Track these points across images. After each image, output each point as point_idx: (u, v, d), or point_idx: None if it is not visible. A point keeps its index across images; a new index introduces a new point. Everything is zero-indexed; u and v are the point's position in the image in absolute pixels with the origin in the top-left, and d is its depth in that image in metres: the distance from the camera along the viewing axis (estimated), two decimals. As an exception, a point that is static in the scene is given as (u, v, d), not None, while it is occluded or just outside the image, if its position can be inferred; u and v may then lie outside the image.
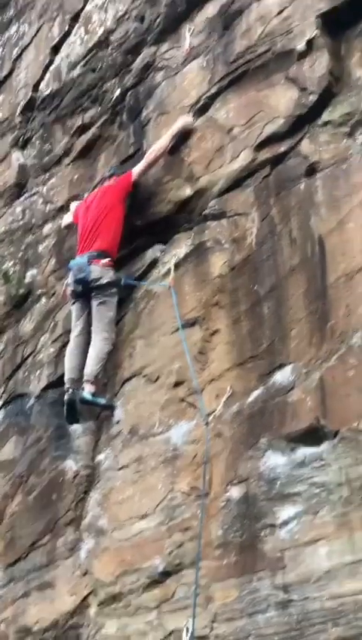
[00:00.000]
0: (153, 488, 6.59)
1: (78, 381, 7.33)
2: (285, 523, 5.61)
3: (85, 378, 7.23)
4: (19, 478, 7.85)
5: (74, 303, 7.65)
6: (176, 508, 6.38)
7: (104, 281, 7.38)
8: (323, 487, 5.47)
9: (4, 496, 7.96)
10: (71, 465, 7.41)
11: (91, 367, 7.23)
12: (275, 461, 5.83)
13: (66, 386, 7.38)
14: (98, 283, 7.37)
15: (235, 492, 6.02)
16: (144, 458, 6.80)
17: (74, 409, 7.28)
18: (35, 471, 7.71)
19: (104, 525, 6.85)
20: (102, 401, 7.24)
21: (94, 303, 7.41)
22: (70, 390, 7.31)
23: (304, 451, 5.70)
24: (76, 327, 7.57)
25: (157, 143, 7.59)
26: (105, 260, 7.43)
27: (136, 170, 7.68)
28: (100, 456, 7.25)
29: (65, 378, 7.45)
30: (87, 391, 7.16)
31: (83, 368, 7.31)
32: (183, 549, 6.20)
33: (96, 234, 7.56)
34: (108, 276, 7.41)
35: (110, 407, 7.27)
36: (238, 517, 5.92)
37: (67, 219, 8.47)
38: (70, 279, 7.59)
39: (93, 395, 7.17)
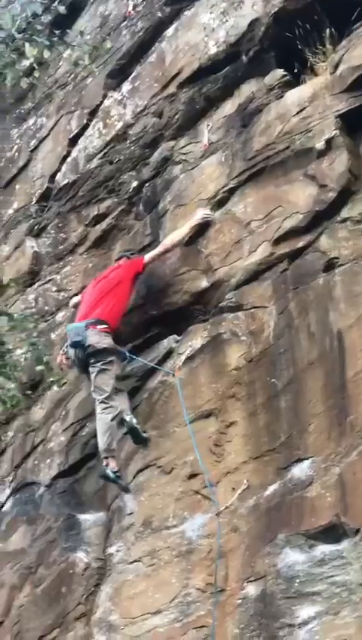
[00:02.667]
0: (167, 583, 6.48)
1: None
2: (305, 623, 5.49)
3: (102, 456, 7.17)
4: (28, 569, 7.69)
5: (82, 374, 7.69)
6: (191, 604, 6.26)
7: (101, 345, 7.32)
8: (344, 587, 5.38)
9: (12, 588, 7.79)
10: (81, 557, 7.28)
11: (100, 443, 7.18)
12: (294, 558, 5.74)
13: (120, 418, 7.28)
14: (96, 348, 7.31)
15: (252, 589, 5.92)
16: (157, 552, 6.69)
17: (136, 432, 7.19)
18: (45, 562, 7.56)
19: (115, 621, 6.69)
20: (122, 482, 7.13)
21: (92, 372, 7.35)
22: (125, 419, 7.23)
23: (323, 549, 5.63)
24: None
25: (175, 233, 7.70)
26: (102, 326, 7.42)
27: (149, 255, 7.79)
28: (112, 549, 7.12)
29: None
30: (110, 468, 7.06)
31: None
32: (198, 647, 6.06)
33: (98, 304, 7.59)
34: (105, 342, 7.36)
35: (127, 490, 7.17)
36: (255, 616, 5.80)
37: (76, 299, 8.53)
38: (67, 344, 7.57)
39: (116, 473, 7.06)
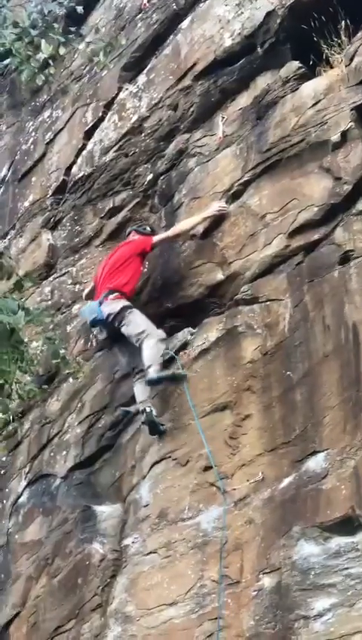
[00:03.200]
0: (182, 575, 6.51)
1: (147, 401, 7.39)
2: (319, 615, 5.51)
3: (146, 365, 7.26)
4: (44, 560, 7.74)
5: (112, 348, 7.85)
6: (206, 596, 6.28)
7: (117, 308, 7.52)
8: (360, 579, 5.40)
9: (28, 579, 7.85)
10: (97, 548, 7.30)
11: (145, 358, 7.28)
12: (309, 550, 5.75)
13: (140, 408, 7.38)
14: (114, 313, 7.52)
15: (267, 581, 5.94)
16: (173, 543, 6.72)
17: (154, 424, 7.23)
18: (61, 553, 7.60)
19: (131, 612, 6.73)
20: (167, 372, 7.22)
21: (124, 331, 7.52)
22: (145, 410, 7.28)
23: (338, 541, 5.64)
24: (135, 367, 7.64)
25: (187, 220, 7.79)
26: (113, 295, 7.61)
27: (159, 237, 7.92)
28: (128, 540, 7.16)
29: (138, 402, 7.48)
30: (153, 371, 7.17)
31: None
32: (213, 638, 6.07)
33: (110, 279, 7.76)
34: (120, 304, 7.56)
35: (183, 377, 7.20)
36: (271, 607, 5.82)
37: (87, 290, 8.63)
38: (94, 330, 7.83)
39: (158, 372, 7.16)
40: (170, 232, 7.84)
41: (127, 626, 6.70)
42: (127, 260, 7.81)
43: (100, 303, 7.64)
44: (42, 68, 6.91)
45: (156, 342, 7.37)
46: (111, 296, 7.61)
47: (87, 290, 8.62)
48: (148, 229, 8.19)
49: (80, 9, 7.29)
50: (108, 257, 8.14)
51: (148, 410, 7.27)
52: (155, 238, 7.90)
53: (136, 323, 7.50)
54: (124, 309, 7.55)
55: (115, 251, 8.11)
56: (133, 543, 7.09)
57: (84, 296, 8.72)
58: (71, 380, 8.67)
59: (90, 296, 8.42)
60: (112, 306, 7.58)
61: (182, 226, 7.79)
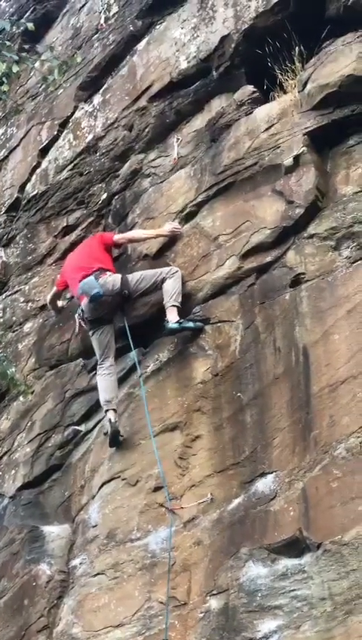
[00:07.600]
0: (130, 596, 6.47)
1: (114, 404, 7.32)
2: (266, 637, 5.52)
3: (167, 305, 7.20)
4: (-10, 581, 7.66)
5: (93, 334, 7.69)
6: (153, 617, 6.25)
7: (118, 279, 7.47)
8: (306, 601, 5.41)
9: (-26, 600, 7.75)
10: (45, 569, 7.23)
11: (169, 297, 7.24)
12: (256, 572, 5.76)
13: (105, 409, 7.31)
14: (119, 287, 7.44)
15: (215, 603, 5.93)
16: (121, 564, 6.68)
17: (115, 434, 7.19)
18: (7, 574, 7.50)
19: (78, 634, 6.66)
20: (190, 324, 7.10)
21: (142, 287, 7.46)
22: (111, 419, 7.21)
23: (286, 563, 5.66)
24: (106, 359, 7.56)
25: (145, 230, 7.85)
26: (108, 272, 7.56)
27: (118, 235, 7.97)
28: (75, 561, 7.11)
29: (103, 402, 7.37)
30: (173, 321, 7.08)
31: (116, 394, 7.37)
32: (159, 661, 6.06)
33: (91, 260, 7.69)
34: (118, 275, 7.52)
35: (201, 327, 7.09)
36: (217, 629, 5.81)
37: (49, 295, 8.54)
38: (84, 305, 7.58)
39: (178, 322, 7.07)
40: (127, 235, 7.89)
41: (73, 648, 6.65)
42: (98, 249, 7.82)
43: (97, 278, 7.50)
44: (-3, 84, 6.90)
45: (180, 278, 7.31)
46: (108, 273, 7.55)
47: (50, 295, 8.54)
48: None
49: (31, 25, 7.25)
50: (74, 253, 8.13)
51: (112, 420, 7.20)
52: (116, 235, 7.94)
53: (150, 272, 7.49)
54: (124, 277, 7.50)
55: (83, 244, 8.18)
56: (80, 564, 7.04)
57: (48, 299, 8.60)
58: (21, 398, 8.61)
59: (53, 301, 8.43)
60: (112, 278, 7.51)
61: (136, 233, 7.87)
